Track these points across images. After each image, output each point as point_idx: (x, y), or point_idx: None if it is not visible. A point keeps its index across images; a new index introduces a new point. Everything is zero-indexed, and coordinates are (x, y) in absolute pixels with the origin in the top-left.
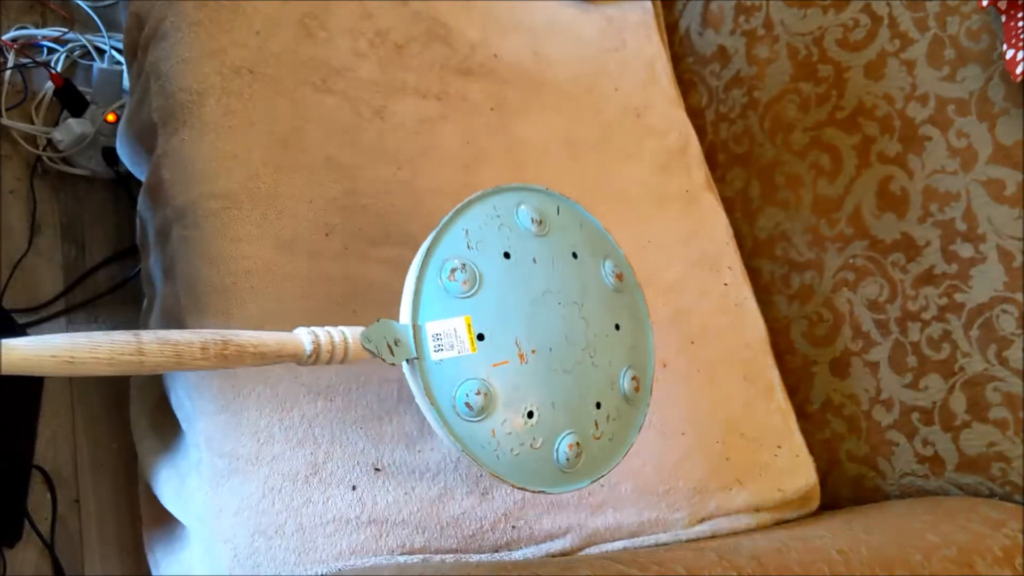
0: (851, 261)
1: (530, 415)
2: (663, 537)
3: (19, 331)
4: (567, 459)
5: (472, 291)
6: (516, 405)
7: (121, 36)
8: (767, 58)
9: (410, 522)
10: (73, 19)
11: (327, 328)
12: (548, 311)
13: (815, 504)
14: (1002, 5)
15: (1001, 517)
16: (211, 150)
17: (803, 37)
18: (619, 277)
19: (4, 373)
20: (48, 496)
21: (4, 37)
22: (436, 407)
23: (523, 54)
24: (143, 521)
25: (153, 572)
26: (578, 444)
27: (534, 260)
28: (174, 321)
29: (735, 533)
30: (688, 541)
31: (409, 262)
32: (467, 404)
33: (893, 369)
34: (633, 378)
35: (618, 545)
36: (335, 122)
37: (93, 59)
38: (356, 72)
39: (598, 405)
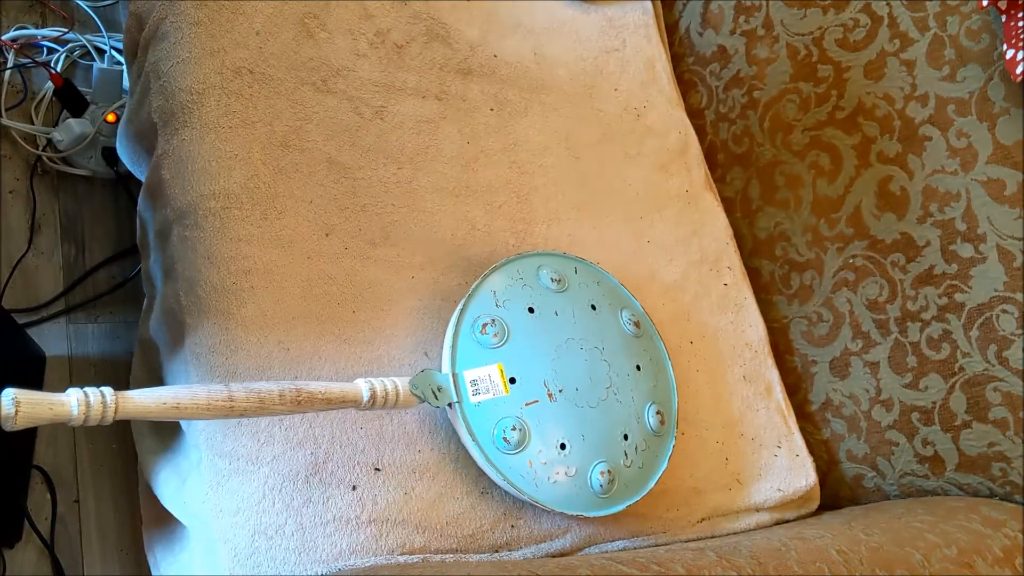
0: (851, 261)
1: (563, 447)
2: (662, 537)
3: (19, 331)
4: (601, 485)
5: (502, 342)
6: (549, 438)
7: (121, 36)
8: (767, 58)
9: (410, 522)
10: (73, 19)
11: (381, 379)
12: (572, 356)
13: (815, 504)
14: (1002, 5)
15: (1001, 517)
16: (211, 150)
17: (803, 37)
18: (636, 324)
19: (119, 419)
20: (48, 496)
21: (4, 37)
22: (477, 443)
23: (523, 54)
24: (143, 521)
25: (153, 572)
26: (610, 472)
27: (556, 313)
28: (174, 321)
29: (734, 533)
30: (687, 541)
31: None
32: (505, 439)
33: (893, 369)
34: (658, 412)
35: (617, 545)
36: (335, 122)
37: (93, 59)
38: (356, 72)
39: (625, 437)
